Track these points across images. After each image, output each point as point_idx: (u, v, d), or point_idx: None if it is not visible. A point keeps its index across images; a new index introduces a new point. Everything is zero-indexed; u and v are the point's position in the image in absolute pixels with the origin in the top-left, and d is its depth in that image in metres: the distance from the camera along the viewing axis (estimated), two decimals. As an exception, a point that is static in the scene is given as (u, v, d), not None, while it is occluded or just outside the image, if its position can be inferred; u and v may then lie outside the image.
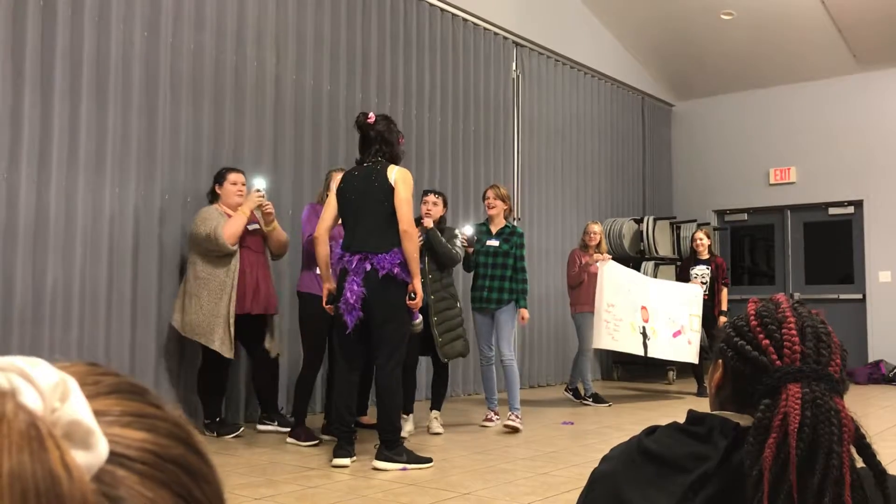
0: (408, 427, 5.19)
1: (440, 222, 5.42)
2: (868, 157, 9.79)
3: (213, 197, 5.16)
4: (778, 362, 1.06)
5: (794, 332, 1.07)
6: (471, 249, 5.62)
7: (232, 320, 4.83)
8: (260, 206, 5.01)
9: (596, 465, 1.23)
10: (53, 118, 4.75)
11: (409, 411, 5.31)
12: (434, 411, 5.49)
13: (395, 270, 4.18)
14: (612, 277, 6.76)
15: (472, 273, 5.87)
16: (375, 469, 4.12)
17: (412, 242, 4.21)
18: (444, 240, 5.29)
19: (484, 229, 5.78)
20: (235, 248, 4.92)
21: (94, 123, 4.94)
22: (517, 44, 8.53)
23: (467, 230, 5.69)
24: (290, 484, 3.79)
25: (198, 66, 5.54)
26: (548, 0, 8.96)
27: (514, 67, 8.52)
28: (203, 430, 4.93)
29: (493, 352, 5.72)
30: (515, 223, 6.11)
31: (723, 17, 9.26)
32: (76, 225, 4.83)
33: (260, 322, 5.12)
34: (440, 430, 5.37)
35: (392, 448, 4.18)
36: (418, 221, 5.13)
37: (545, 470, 4.25)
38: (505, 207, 5.75)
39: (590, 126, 9.58)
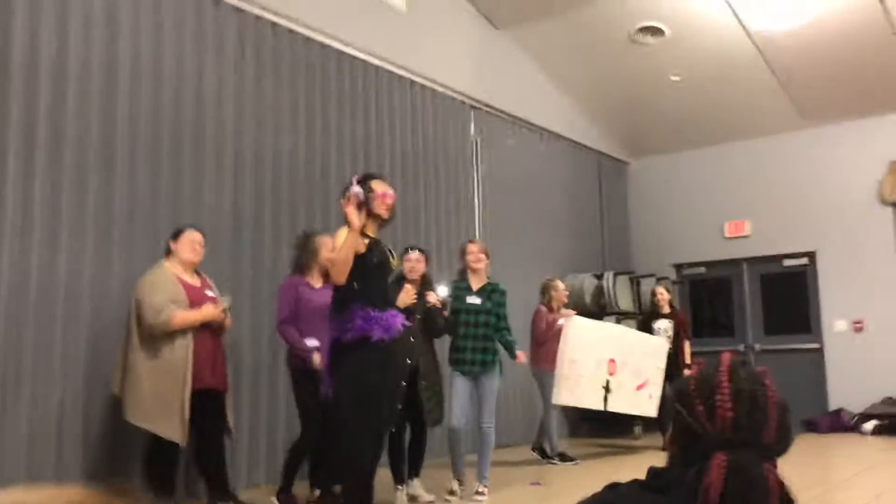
0: (402, 498, 5.02)
1: (424, 279, 5.28)
2: (818, 209, 10.07)
3: (167, 253, 4.82)
4: (709, 429, 1.10)
5: (727, 397, 1.11)
6: (445, 312, 5.36)
7: (187, 403, 4.44)
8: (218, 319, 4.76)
9: None
10: (7, 181, 4.70)
11: (400, 482, 5.11)
12: (416, 479, 5.23)
13: (334, 334, 4.15)
14: (576, 333, 6.81)
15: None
16: None
17: (332, 269, 4.18)
18: (444, 316, 5.23)
19: (464, 286, 5.49)
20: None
21: (48, 188, 4.90)
22: (475, 107, 8.70)
23: (440, 292, 5.43)
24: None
25: (156, 127, 5.54)
26: (504, 65, 9.18)
27: (472, 130, 8.68)
28: None
29: (465, 420, 5.36)
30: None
31: (672, 78, 9.56)
32: (29, 291, 4.76)
33: (212, 397, 4.73)
34: (430, 497, 5.13)
35: None
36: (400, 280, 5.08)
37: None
38: (487, 262, 5.54)
39: (548, 185, 9.74)
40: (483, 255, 5.49)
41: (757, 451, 1.07)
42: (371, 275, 4.18)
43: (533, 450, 7.39)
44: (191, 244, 4.79)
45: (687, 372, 7.87)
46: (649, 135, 10.99)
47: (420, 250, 5.39)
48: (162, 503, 4.53)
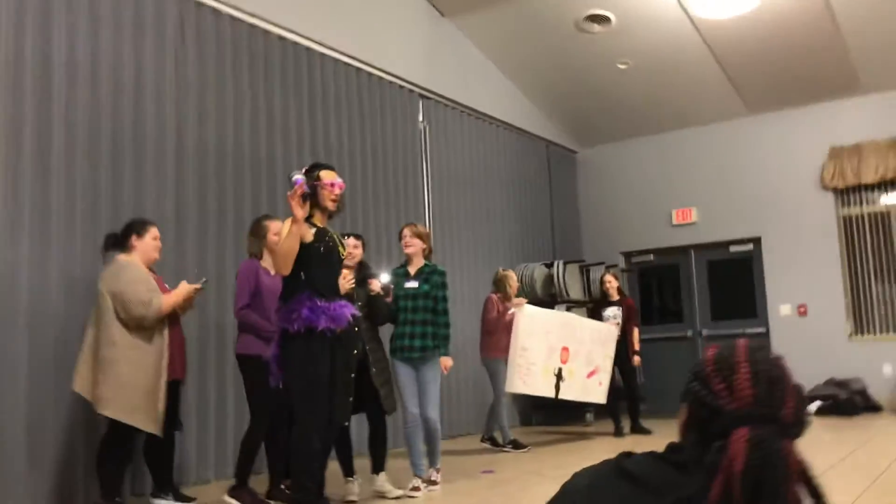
0: (353, 489, 4.92)
1: (361, 266, 5.19)
2: (763, 196, 10.25)
3: (120, 245, 4.66)
4: (730, 406, 1.12)
5: (746, 376, 1.13)
6: (388, 298, 5.25)
7: (163, 393, 4.44)
8: (189, 298, 4.76)
9: None
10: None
11: (349, 474, 5.01)
12: (382, 473, 5.03)
13: (282, 324, 4.12)
14: (527, 321, 6.81)
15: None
16: None
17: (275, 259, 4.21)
18: (384, 303, 5.14)
19: (401, 272, 5.37)
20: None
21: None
22: (423, 96, 8.64)
23: (382, 279, 5.36)
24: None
25: (94, 121, 5.37)
26: (452, 53, 9.13)
27: (420, 119, 8.61)
28: None
29: (418, 409, 5.16)
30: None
31: (619, 66, 9.62)
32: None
33: (172, 387, 4.69)
34: (398, 491, 4.93)
35: None
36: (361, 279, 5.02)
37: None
38: (423, 246, 5.33)
39: (497, 174, 9.74)
40: (417, 240, 5.29)
41: (777, 428, 1.09)
42: (318, 265, 4.15)
43: (483, 440, 7.38)
44: (155, 241, 4.76)
45: (637, 359, 7.98)
46: (597, 123, 11.06)
47: (356, 236, 5.30)
48: (111, 499, 4.42)
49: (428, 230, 5.60)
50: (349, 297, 4.66)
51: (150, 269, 4.77)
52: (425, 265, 5.32)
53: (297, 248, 4.02)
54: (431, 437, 5.19)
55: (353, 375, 4.71)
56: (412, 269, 5.32)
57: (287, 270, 4.06)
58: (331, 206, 4.25)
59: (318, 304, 4.07)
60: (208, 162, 6.15)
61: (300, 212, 3.99)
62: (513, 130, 10.20)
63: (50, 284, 4.98)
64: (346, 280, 4.63)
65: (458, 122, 9.18)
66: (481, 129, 9.58)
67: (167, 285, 4.86)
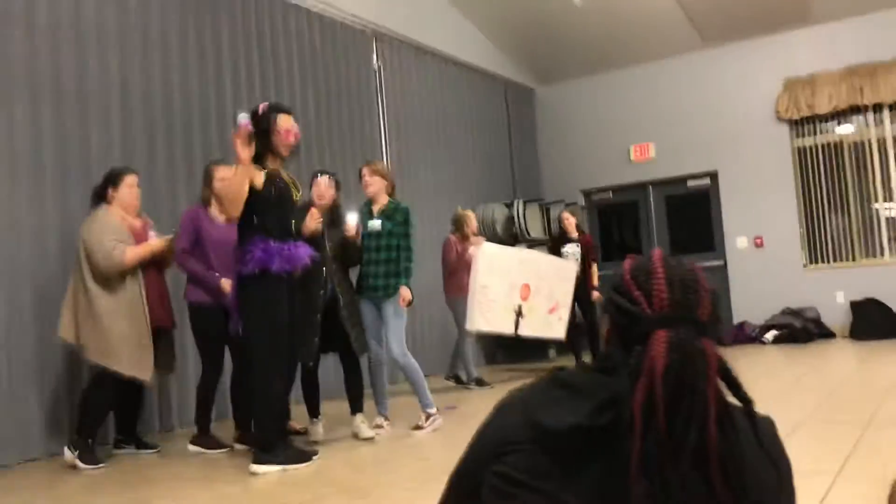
0: (318, 430, 4.94)
1: (335, 207, 5.01)
2: (719, 130, 10.31)
3: (101, 198, 4.70)
4: (648, 311, 1.15)
5: (661, 282, 1.16)
6: (356, 238, 4.99)
7: (146, 339, 4.50)
8: (164, 250, 4.76)
9: None
10: None
11: (315, 415, 5.02)
12: (358, 414, 4.91)
13: (236, 267, 4.10)
14: (486, 259, 6.83)
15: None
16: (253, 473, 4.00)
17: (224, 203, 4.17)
18: (358, 247, 4.97)
19: (365, 210, 5.18)
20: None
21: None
22: (377, 35, 8.49)
23: (351, 219, 5.01)
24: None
25: (32, 69, 5.20)
26: (404, -9, 8.95)
27: (374, 59, 8.48)
28: (70, 448, 4.47)
29: (382, 349, 5.14)
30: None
31: (574, 1, 9.50)
32: None
33: (160, 334, 4.76)
34: (371, 433, 4.82)
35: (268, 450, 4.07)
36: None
37: (425, 455, 4.23)
38: (385, 184, 5.14)
39: (455, 114, 9.66)
40: (377, 177, 5.11)
41: (694, 328, 1.12)
42: (270, 208, 4.10)
43: (447, 378, 7.46)
44: (131, 189, 4.76)
45: (596, 294, 8.06)
46: (555, 61, 10.98)
47: (330, 175, 5.07)
48: (84, 440, 4.49)
49: (386, 167, 5.44)
50: (317, 236, 4.65)
51: (139, 216, 4.83)
52: (389, 202, 5.17)
53: (243, 191, 3.95)
54: (410, 376, 5.09)
55: (318, 316, 4.70)
56: (375, 209, 5.16)
57: (236, 213, 4.02)
58: (283, 152, 4.19)
59: (272, 244, 4.03)
60: (154, 108, 6.00)
61: (245, 154, 3.91)
62: (470, 70, 10.09)
63: (11, 234, 4.92)
64: (313, 218, 4.60)
65: (414, 61, 9.05)
66: (437, 68, 9.46)
67: (154, 232, 4.84)
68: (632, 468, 1.05)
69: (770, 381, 6.13)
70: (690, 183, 10.71)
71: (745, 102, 10.16)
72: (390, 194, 5.21)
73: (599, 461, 1.10)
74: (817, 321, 9.44)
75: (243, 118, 3.91)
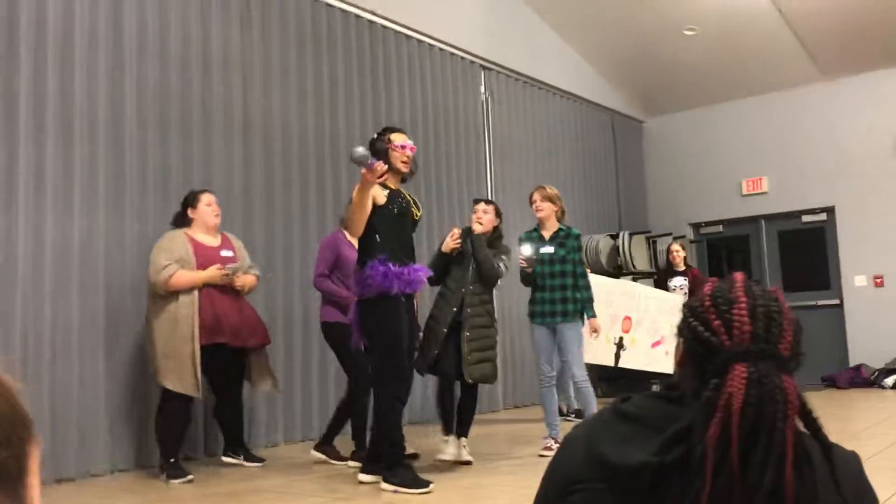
0: (449, 450, 4.89)
1: (494, 233, 5.05)
2: (836, 164, 9.93)
3: (182, 221, 4.96)
4: (727, 342, 1.08)
5: (744, 312, 1.10)
6: (529, 270, 5.16)
7: (197, 357, 4.55)
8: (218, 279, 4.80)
9: None
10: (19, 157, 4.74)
11: (450, 432, 4.93)
12: (462, 438, 4.95)
13: (356, 290, 4.20)
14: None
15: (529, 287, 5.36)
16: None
17: (348, 223, 4.21)
18: (485, 247, 4.91)
19: (535, 236, 5.28)
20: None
21: (60, 160, 4.93)
22: (484, 67, 8.62)
23: (526, 250, 5.17)
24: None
25: (164, 97, 5.55)
26: (514, 23, 9.07)
27: (482, 90, 8.60)
28: (158, 474, 4.66)
29: (553, 371, 5.21)
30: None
31: (686, 32, 9.41)
32: (45, 259, 4.80)
33: (235, 353, 4.89)
34: (470, 457, 4.86)
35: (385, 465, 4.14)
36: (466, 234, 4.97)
37: (525, 483, 4.23)
38: (555, 209, 5.24)
39: (561, 145, 9.67)
40: (548, 203, 5.23)
41: (775, 363, 1.06)
42: (391, 226, 4.20)
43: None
44: (209, 208, 4.94)
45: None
46: (664, 92, 10.85)
47: (487, 202, 5.16)
48: (167, 460, 4.61)
49: (558, 192, 5.40)
50: (461, 254, 4.82)
51: (222, 233, 5.03)
52: (560, 229, 5.25)
53: (367, 209, 4.05)
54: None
55: (444, 329, 4.81)
56: (546, 234, 5.27)
57: (359, 232, 4.13)
58: (402, 167, 4.30)
59: (392, 268, 4.11)
60: (273, 136, 6.28)
61: (370, 177, 3.94)
62: (578, 101, 10.09)
63: (123, 254, 5.20)
64: (453, 238, 4.76)
65: (521, 92, 9.13)
66: (545, 99, 9.51)
67: (243, 249, 5.08)
68: None
69: (890, 427, 5.82)
70: (805, 218, 10.33)
71: (864, 136, 9.76)
72: (560, 219, 5.29)
73: (666, 501, 1.05)
74: (943, 367, 8.90)
75: (372, 158, 3.91)
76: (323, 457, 5.03)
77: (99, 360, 4.97)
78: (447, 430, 4.95)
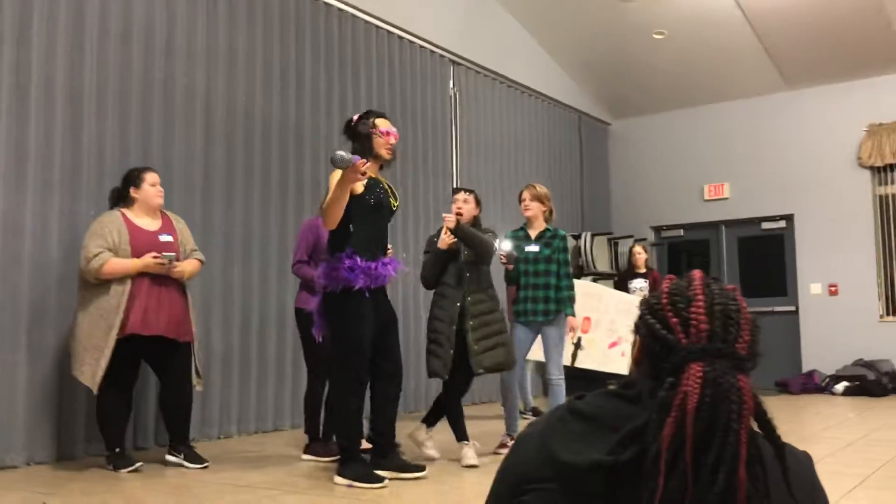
0: (468, 454, 4.62)
1: (475, 223, 4.85)
2: (797, 173, 10.08)
3: (120, 199, 4.65)
4: (684, 341, 1.07)
5: (702, 310, 1.09)
6: (510, 266, 5.12)
7: (109, 351, 4.29)
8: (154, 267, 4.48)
9: None
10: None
11: (462, 438, 4.72)
12: (430, 429, 4.90)
13: (321, 281, 4.08)
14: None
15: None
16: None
17: (323, 215, 3.96)
18: (469, 228, 4.66)
19: (521, 234, 5.25)
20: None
21: (13, 140, 4.79)
22: (454, 62, 8.59)
23: (505, 246, 5.13)
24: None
25: (125, 80, 5.43)
26: (485, 20, 9.06)
27: (451, 85, 8.57)
28: (105, 464, 4.51)
29: (522, 370, 5.09)
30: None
31: (655, 36, 9.47)
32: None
33: (174, 346, 4.59)
34: (475, 461, 4.60)
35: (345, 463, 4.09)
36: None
37: (476, 481, 4.22)
38: (543, 209, 5.19)
39: (528, 144, 9.68)
40: (536, 203, 5.17)
41: (731, 363, 1.05)
42: (366, 217, 4.07)
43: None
44: (153, 189, 4.66)
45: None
46: (631, 95, 10.93)
47: (466, 190, 4.94)
48: (112, 450, 4.49)
49: (547, 192, 5.32)
50: (455, 251, 4.70)
51: (162, 213, 4.73)
52: (546, 229, 5.23)
53: (345, 200, 3.88)
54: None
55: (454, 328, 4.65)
56: (532, 233, 5.23)
57: (334, 225, 3.94)
58: (385, 154, 4.17)
59: (359, 262, 4.00)
60: (236, 124, 6.18)
61: (355, 177, 3.77)
62: (545, 100, 10.11)
63: (77, 238, 5.07)
64: (446, 236, 4.63)
65: (490, 89, 9.12)
66: (513, 97, 9.51)
67: (185, 231, 4.81)
68: None
69: (840, 432, 5.92)
70: (765, 225, 10.48)
71: (825, 146, 9.92)
72: (547, 220, 5.25)
73: (619, 501, 1.04)
74: (892, 375, 9.08)
75: (353, 158, 3.73)
76: (313, 458, 4.84)
77: (20, 348, 4.71)
78: (460, 437, 4.73)
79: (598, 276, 9.37)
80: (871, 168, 9.70)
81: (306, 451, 4.92)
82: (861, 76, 9.68)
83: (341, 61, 7.16)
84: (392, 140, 4.18)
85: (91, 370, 4.32)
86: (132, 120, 5.45)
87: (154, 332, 4.45)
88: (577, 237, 9.62)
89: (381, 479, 4.01)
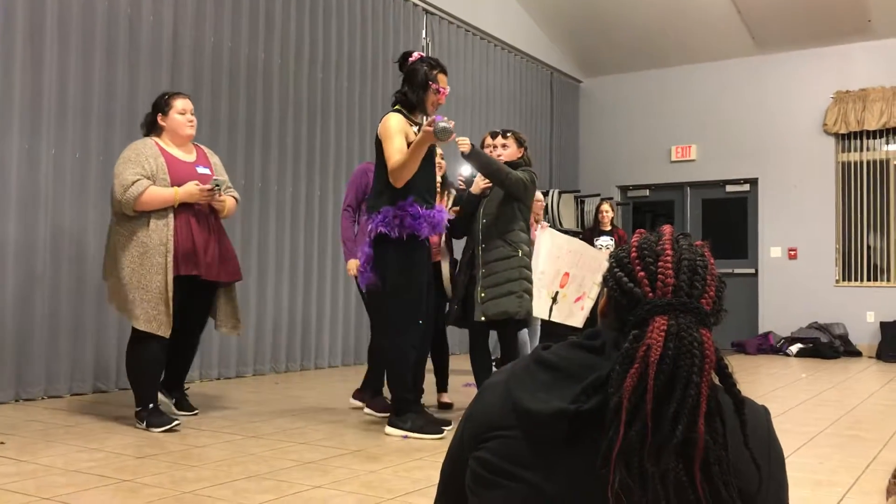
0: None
1: (516, 166, 4.43)
2: (764, 137, 10.18)
3: (152, 127, 4.21)
4: (650, 294, 1.09)
5: (669, 265, 1.10)
6: (476, 191, 4.53)
7: (170, 291, 3.92)
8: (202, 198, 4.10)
9: None
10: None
11: (443, 389, 4.89)
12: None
13: (381, 230, 3.87)
14: (548, 245, 6.79)
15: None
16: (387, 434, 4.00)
17: (396, 173, 3.79)
18: (484, 155, 4.29)
19: None
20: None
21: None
22: (427, 11, 8.47)
23: (465, 170, 4.75)
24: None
25: (88, 18, 5.27)
26: (459, -31, 8.92)
27: (423, 35, 8.46)
28: (135, 421, 4.04)
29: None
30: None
31: (630, -7, 9.41)
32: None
33: (210, 286, 4.24)
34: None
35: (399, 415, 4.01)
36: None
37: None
38: (518, 154, 4.61)
39: (499, 98, 9.63)
40: (512, 140, 4.62)
41: (695, 317, 1.07)
42: (423, 165, 3.91)
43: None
44: (182, 117, 4.17)
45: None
46: (603, 53, 10.89)
47: (503, 133, 4.63)
48: (145, 406, 4.00)
49: (525, 136, 4.80)
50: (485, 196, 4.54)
51: (195, 145, 4.34)
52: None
53: (420, 159, 3.80)
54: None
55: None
56: None
57: (403, 183, 3.83)
58: (430, 110, 4.05)
59: (420, 210, 3.89)
60: (203, 65, 6.05)
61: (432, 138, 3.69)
62: (518, 54, 10.04)
63: (38, 176, 4.98)
64: (481, 180, 4.43)
65: (462, 41, 9.02)
66: (486, 50, 9.42)
67: (220, 165, 4.44)
68: (612, 457, 1.01)
69: (791, 392, 6.09)
70: (730, 188, 10.60)
71: (792, 112, 10.01)
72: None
73: (581, 449, 1.06)
74: (844, 338, 9.33)
75: (454, 134, 3.70)
76: (360, 404, 4.73)
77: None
78: (441, 387, 4.83)
79: (564, 233, 9.40)
80: (836, 135, 9.82)
81: (354, 397, 4.82)
82: (831, 43, 9.74)
83: (312, 7, 7.02)
84: (442, 100, 4.06)
85: (145, 314, 3.89)
86: (96, 57, 5.30)
87: (194, 273, 4.04)
88: (545, 194, 9.64)
89: (439, 431, 3.93)
